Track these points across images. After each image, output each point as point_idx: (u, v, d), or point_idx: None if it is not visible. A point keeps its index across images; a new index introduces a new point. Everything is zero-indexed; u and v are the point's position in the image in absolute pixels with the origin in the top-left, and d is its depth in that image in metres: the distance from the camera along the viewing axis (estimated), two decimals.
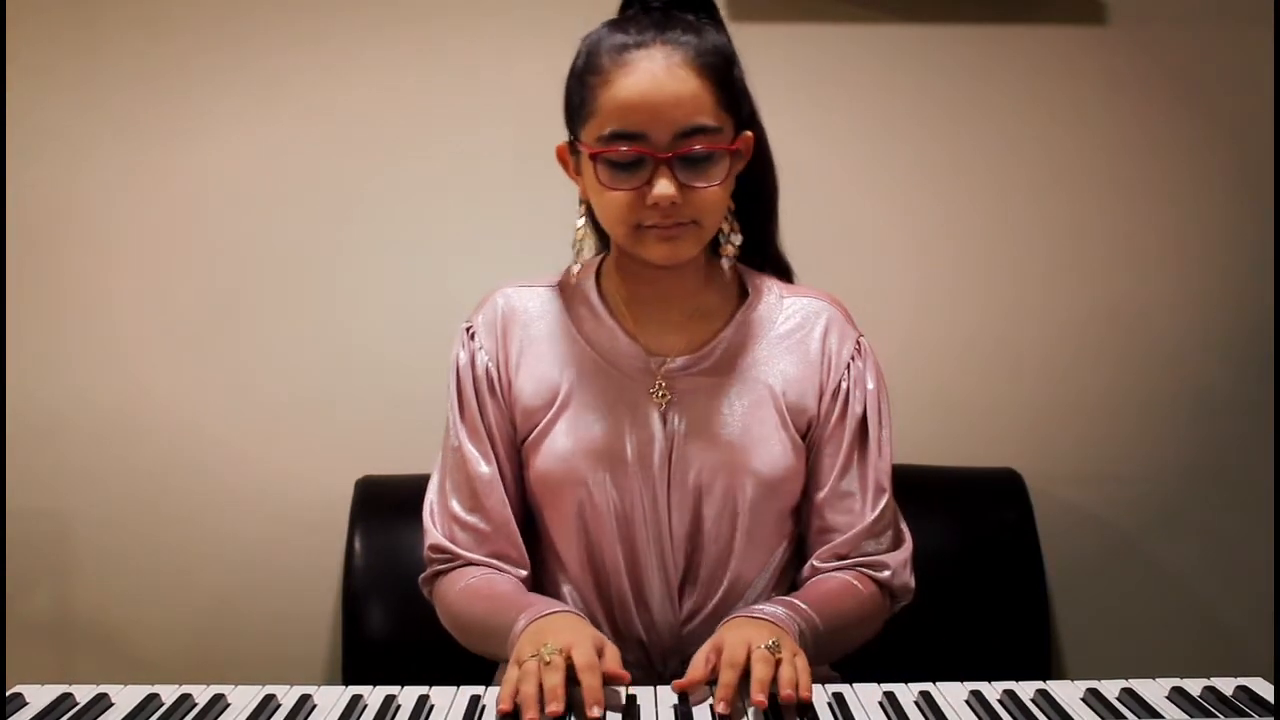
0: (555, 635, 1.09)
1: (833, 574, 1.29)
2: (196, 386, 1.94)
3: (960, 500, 1.85)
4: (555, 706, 1.02)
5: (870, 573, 1.29)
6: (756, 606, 1.20)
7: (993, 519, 1.87)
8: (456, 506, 1.30)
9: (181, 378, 1.93)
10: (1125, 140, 1.96)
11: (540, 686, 1.04)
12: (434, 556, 1.32)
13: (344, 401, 1.94)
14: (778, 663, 1.06)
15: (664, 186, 1.16)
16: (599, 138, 1.18)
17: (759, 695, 1.02)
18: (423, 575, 1.34)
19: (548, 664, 1.05)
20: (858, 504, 1.29)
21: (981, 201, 1.97)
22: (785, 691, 1.03)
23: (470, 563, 1.29)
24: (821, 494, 1.30)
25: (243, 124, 1.91)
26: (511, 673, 1.08)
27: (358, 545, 1.77)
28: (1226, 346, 1.99)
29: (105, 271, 1.92)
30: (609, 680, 1.07)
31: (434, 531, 1.32)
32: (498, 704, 1.05)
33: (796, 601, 1.21)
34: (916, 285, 1.97)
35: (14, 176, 1.88)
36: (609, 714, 1.04)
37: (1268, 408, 1.97)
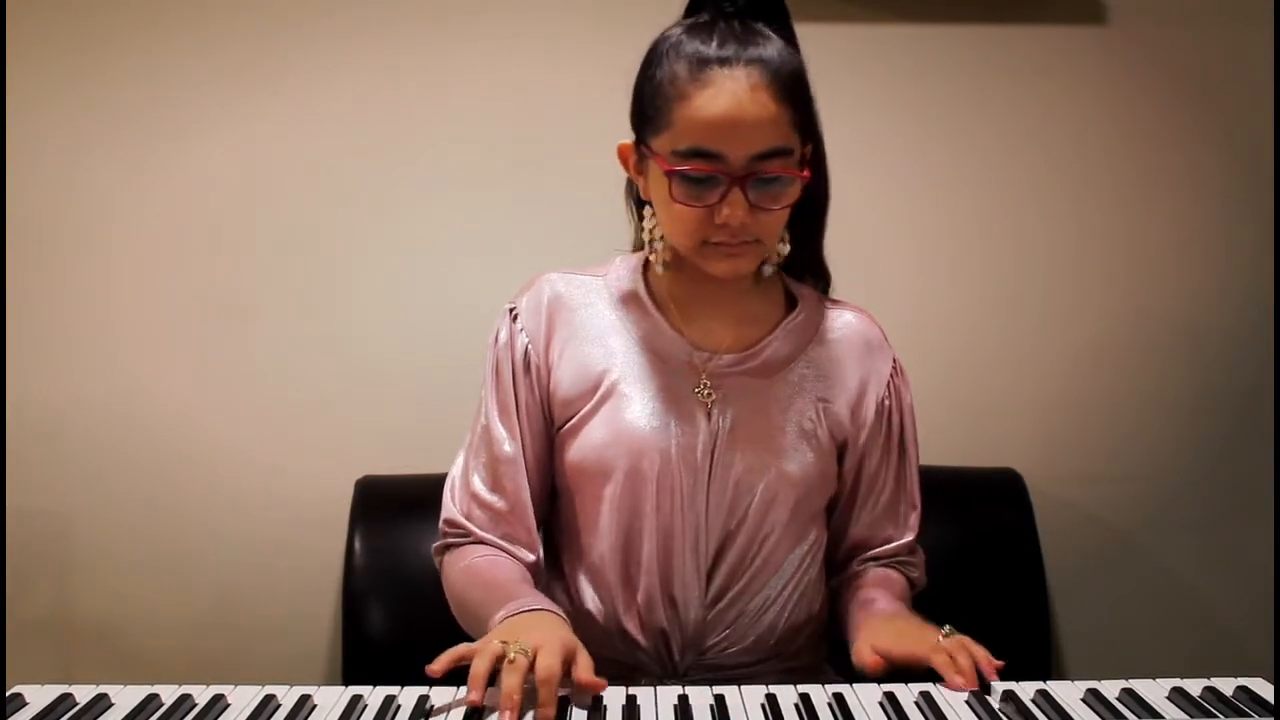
0: (527, 633, 1.09)
1: (881, 569, 1.36)
2: (196, 386, 1.94)
3: (960, 500, 1.85)
4: (509, 715, 1.00)
5: (905, 571, 1.38)
6: (874, 608, 1.28)
7: (993, 519, 1.88)
8: (478, 483, 1.31)
9: (181, 378, 1.94)
10: (1125, 140, 1.96)
11: (492, 671, 1.03)
12: (447, 530, 1.33)
13: (344, 401, 1.94)
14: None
15: (735, 208, 1.17)
16: (674, 152, 1.17)
17: (993, 673, 1.11)
18: (435, 545, 1.35)
19: (511, 662, 1.04)
20: (899, 520, 1.36)
21: (981, 201, 1.97)
22: (992, 666, 1.12)
23: (480, 540, 1.30)
24: (865, 511, 1.36)
25: (242, 124, 1.91)
26: (466, 647, 1.08)
27: (358, 545, 1.77)
28: (1226, 346, 1.99)
29: (105, 271, 1.92)
30: (582, 689, 1.06)
31: (450, 506, 1.33)
32: (435, 664, 1.06)
33: (893, 601, 1.30)
34: (916, 285, 1.97)
35: (14, 176, 1.88)
36: (608, 713, 1.04)
37: (1267, 407, 1.97)
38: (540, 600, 1.20)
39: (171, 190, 1.92)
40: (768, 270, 1.31)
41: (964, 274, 1.98)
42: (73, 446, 1.93)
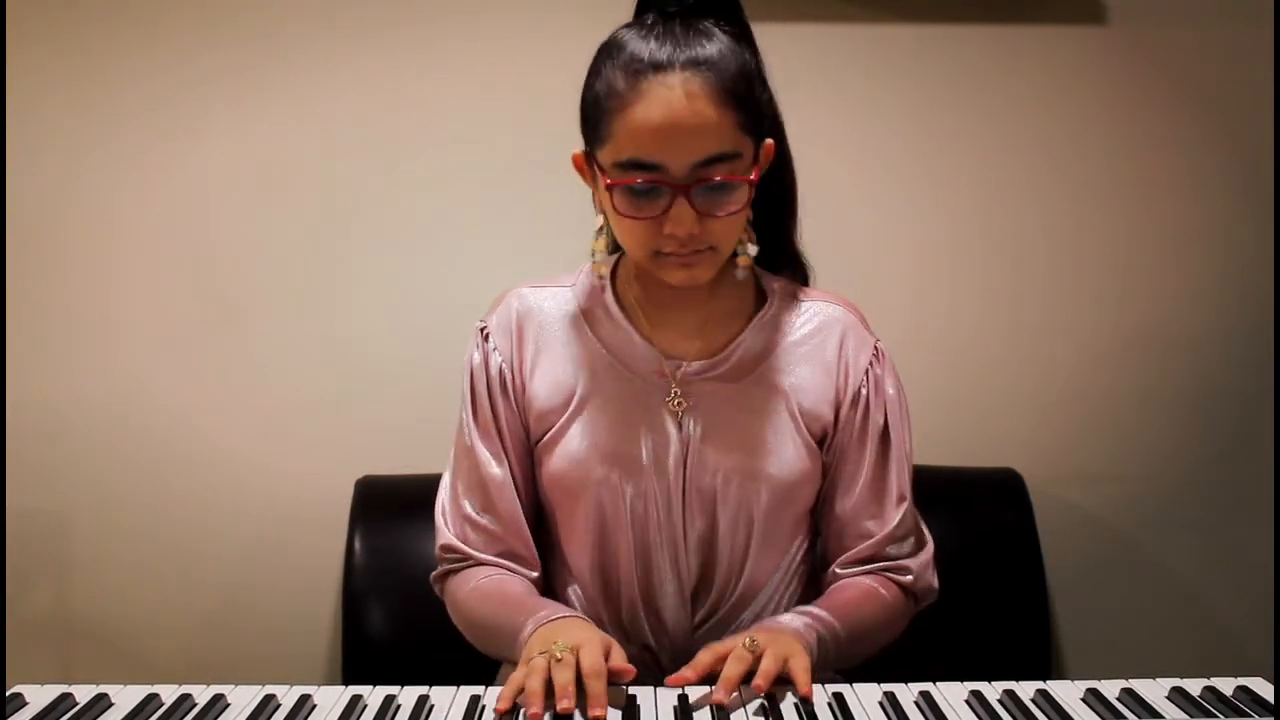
0: (565, 635, 1.09)
1: (856, 579, 1.29)
2: (196, 386, 1.94)
3: (960, 500, 1.85)
4: (566, 704, 1.01)
5: (894, 577, 1.29)
6: (775, 618, 1.20)
7: (993, 519, 1.88)
8: (468, 507, 1.30)
9: (181, 378, 1.94)
10: (1125, 140, 1.96)
11: (547, 683, 1.04)
12: (445, 556, 1.32)
13: (344, 401, 1.94)
14: (757, 659, 1.07)
15: (681, 218, 1.14)
16: (615, 164, 1.15)
17: (718, 694, 1.05)
18: (434, 574, 1.34)
19: (559, 661, 1.05)
20: (880, 512, 1.29)
21: (981, 201, 1.97)
22: (755, 682, 1.05)
23: (481, 563, 1.29)
24: (843, 502, 1.30)
25: (242, 125, 1.92)
26: (519, 672, 1.08)
27: (358, 545, 1.78)
28: (1226, 346, 1.99)
29: (105, 271, 1.93)
30: (614, 674, 1.07)
31: (445, 531, 1.31)
32: (496, 703, 1.05)
33: (817, 610, 1.22)
34: (915, 285, 1.97)
35: (13, 177, 1.88)
36: (609, 713, 1.04)
37: (1268, 407, 1.97)
38: (561, 608, 1.20)
39: (171, 191, 1.92)
40: (740, 274, 1.26)
41: (964, 274, 1.98)
42: (73, 446, 1.94)
